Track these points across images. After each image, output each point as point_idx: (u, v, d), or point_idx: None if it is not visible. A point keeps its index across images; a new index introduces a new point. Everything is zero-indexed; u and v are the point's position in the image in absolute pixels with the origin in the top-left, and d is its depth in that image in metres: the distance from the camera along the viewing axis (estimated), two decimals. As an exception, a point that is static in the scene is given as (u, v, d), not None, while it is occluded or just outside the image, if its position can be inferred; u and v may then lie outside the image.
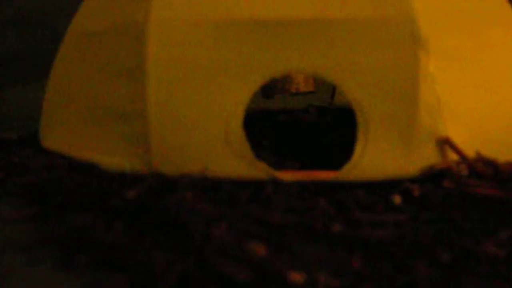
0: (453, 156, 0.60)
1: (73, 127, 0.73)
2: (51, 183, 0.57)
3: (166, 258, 0.40)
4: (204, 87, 0.61)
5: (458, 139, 0.61)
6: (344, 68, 0.61)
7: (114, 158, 0.64)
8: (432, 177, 0.59)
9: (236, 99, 0.60)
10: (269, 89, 0.93)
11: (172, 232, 0.45)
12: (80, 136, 0.71)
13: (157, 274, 0.38)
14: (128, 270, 0.39)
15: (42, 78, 2.20)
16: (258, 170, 0.58)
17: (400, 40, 0.61)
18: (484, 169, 0.59)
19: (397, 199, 0.55)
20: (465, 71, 0.65)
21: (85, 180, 0.56)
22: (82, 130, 0.71)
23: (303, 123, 0.97)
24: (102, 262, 0.42)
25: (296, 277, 0.39)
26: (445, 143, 0.61)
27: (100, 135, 0.67)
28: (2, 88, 1.99)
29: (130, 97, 0.64)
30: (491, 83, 0.67)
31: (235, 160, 0.59)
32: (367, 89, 0.60)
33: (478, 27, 0.69)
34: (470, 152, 0.61)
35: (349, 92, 0.60)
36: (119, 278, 0.38)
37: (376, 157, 0.59)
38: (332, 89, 1.11)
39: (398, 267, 0.41)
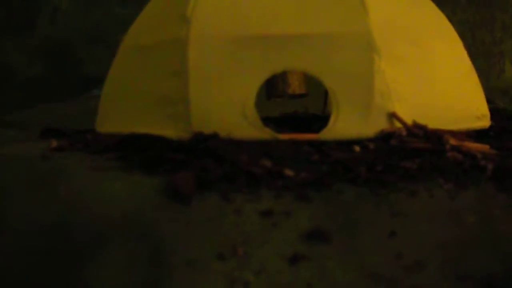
0: (397, 124, 0.92)
1: (128, 113, 1.03)
2: (123, 141, 0.89)
3: (213, 164, 0.71)
4: (228, 80, 0.93)
5: (401, 113, 0.92)
6: (322, 66, 0.93)
7: (163, 131, 0.96)
8: (383, 137, 0.91)
9: (250, 87, 0.91)
10: (271, 92, 1.26)
11: (213, 159, 0.76)
12: (134, 119, 1.02)
13: (209, 172, 0.70)
14: (191, 171, 0.71)
15: (65, 99, 2.50)
16: (265, 133, 0.90)
17: (360, 47, 0.93)
18: (417, 131, 0.90)
19: (357, 148, 0.86)
20: (408, 67, 0.96)
21: (148, 136, 0.88)
22: (136, 115, 1.01)
23: (298, 118, 1.30)
24: (174, 169, 0.73)
25: (289, 172, 0.71)
26: (392, 116, 0.93)
27: (151, 116, 0.98)
28: (31, 107, 2.28)
29: (176, 89, 0.95)
30: (427, 76, 0.99)
31: (249, 127, 0.90)
32: (337, 80, 0.92)
33: (420, 37, 1.01)
34: (409, 121, 0.92)
35: (326, 82, 0.92)
36: (186, 174, 0.70)
37: (344, 124, 0.90)
38: (324, 98, 1.44)
39: (348, 170, 0.73)
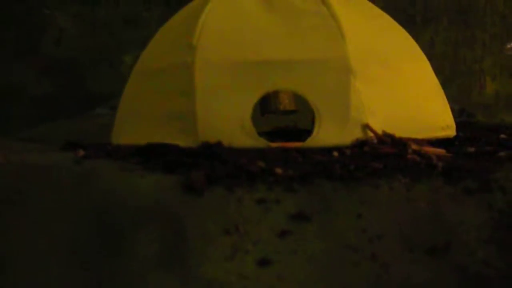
0: (370, 134, 1.14)
1: (143, 127, 1.25)
2: (144, 149, 1.10)
3: (219, 165, 0.93)
4: (229, 98, 1.14)
5: (373, 125, 1.13)
6: (307, 86, 1.15)
7: (174, 142, 1.17)
8: (357, 145, 1.12)
9: (247, 104, 1.13)
10: (265, 109, 1.47)
11: (219, 161, 0.98)
12: (149, 132, 1.23)
13: (216, 171, 0.91)
14: (202, 170, 0.92)
15: (72, 116, 2.71)
16: (260, 142, 1.12)
17: (339, 70, 1.15)
18: (386, 139, 1.12)
19: (335, 153, 1.08)
20: (380, 86, 1.18)
21: (165, 145, 1.09)
22: (150, 129, 1.23)
23: (289, 131, 1.51)
24: (189, 170, 0.94)
25: (279, 170, 0.92)
26: (366, 127, 1.14)
27: (164, 130, 1.20)
28: (40, 124, 2.48)
29: (184, 106, 1.17)
30: (396, 93, 1.21)
31: (247, 137, 1.11)
32: (320, 98, 1.14)
33: (390, 60, 1.23)
34: (379, 131, 1.14)
35: (310, 99, 1.14)
36: (198, 173, 0.91)
37: (325, 134, 1.12)
38: (312, 114, 1.65)
39: (325, 168, 0.95)
